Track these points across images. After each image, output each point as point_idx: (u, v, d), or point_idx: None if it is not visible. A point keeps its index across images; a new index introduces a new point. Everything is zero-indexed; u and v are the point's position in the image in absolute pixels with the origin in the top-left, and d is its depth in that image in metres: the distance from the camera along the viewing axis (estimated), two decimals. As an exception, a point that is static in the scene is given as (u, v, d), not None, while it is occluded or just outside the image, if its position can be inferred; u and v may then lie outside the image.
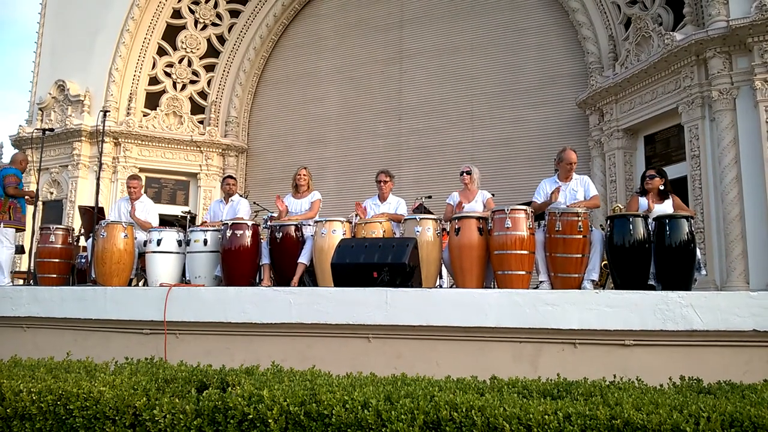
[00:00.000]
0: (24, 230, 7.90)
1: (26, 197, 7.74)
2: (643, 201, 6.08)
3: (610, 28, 11.38)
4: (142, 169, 13.98)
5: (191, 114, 14.83)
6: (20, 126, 14.36)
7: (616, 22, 11.29)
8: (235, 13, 15.01)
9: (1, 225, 7.33)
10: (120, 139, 13.97)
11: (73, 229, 8.09)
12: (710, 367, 4.15)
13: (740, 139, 8.77)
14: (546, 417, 2.56)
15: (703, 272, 5.78)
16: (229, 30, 15.05)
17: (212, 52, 15.08)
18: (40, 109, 14.47)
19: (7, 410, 3.11)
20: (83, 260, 7.88)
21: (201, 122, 14.89)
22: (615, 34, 11.29)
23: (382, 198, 6.94)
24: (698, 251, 5.53)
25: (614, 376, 3.47)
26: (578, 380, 3.30)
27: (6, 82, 45.53)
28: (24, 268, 10.90)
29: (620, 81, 10.56)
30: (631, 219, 5.38)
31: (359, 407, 2.73)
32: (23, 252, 9.74)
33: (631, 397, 2.78)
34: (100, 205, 7.87)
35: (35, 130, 11.54)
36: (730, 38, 8.83)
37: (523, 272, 5.57)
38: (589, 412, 2.58)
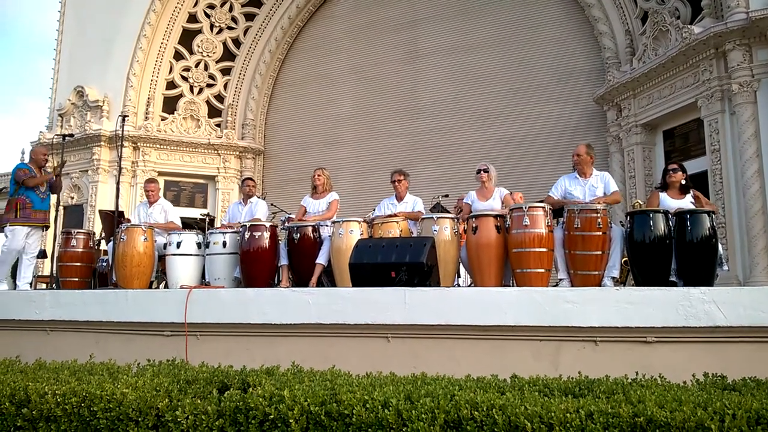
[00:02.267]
0: (38, 227, 7.38)
1: (44, 183, 7.34)
2: (663, 196, 6.02)
3: (626, 23, 11.26)
4: (160, 173, 14.12)
5: (208, 117, 14.96)
6: (41, 132, 14.58)
7: (632, 16, 11.17)
8: (250, 17, 15.09)
9: (8, 224, 7.20)
10: (139, 144, 14.12)
11: (94, 233, 8.18)
12: (734, 364, 4.09)
13: (761, 132, 8.64)
14: (568, 415, 2.54)
15: (726, 267, 5.70)
16: (245, 33, 15.14)
17: (228, 55, 15.18)
18: (60, 115, 14.68)
19: (33, 412, 3.15)
20: (104, 264, 7.96)
21: (218, 125, 15.00)
22: (632, 29, 11.18)
23: (399, 198, 6.94)
24: (720, 246, 5.46)
25: (636, 374, 3.43)
26: (600, 378, 3.26)
27: (26, 89, 46.23)
28: (46, 272, 11.06)
29: (638, 76, 10.45)
30: (651, 215, 5.33)
31: (380, 407, 2.72)
32: (45, 256, 9.82)
33: (653, 395, 2.75)
34: (120, 209, 7.95)
35: (55, 136, 11.69)
36: (749, 30, 8.70)
37: (542, 270, 5.53)
38: (611, 410, 2.55)
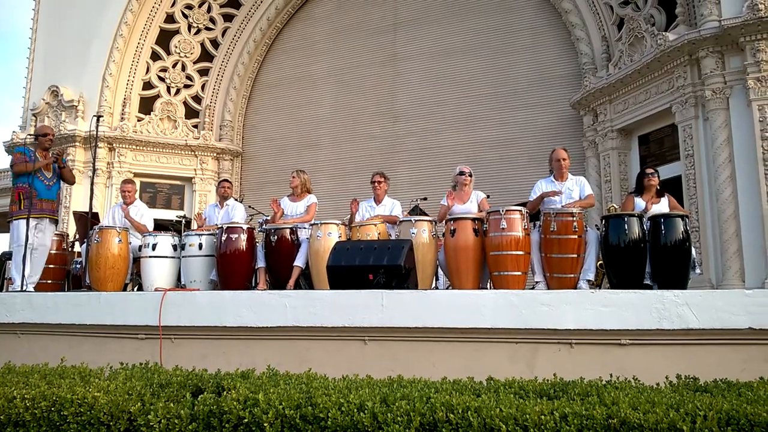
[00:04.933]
0: (45, 218, 6.53)
1: (42, 167, 6.46)
2: (638, 200, 6.10)
3: (603, 29, 11.40)
4: (136, 174, 13.93)
5: (186, 118, 14.80)
6: (14, 132, 14.31)
7: (608, 22, 11.31)
8: (228, 17, 14.99)
9: (13, 218, 6.52)
10: (114, 144, 13.93)
11: (68, 235, 8.04)
12: (707, 366, 4.15)
13: (734, 138, 8.80)
14: (542, 417, 2.55)
15: (698, 271, 5.80)
16: (223, 34, 15.03)
17: (206, 56, 15.05)
18: (34, 114, 14.42)
19: (1, 417, 3.09)
20: (78, 266, 7.84)
21: (195, 126, 14.86)
22: (608, 35, 11.32)
23: (377, 200, 6.94)
24: (693, 250, 5.54)
25: (611, 376, 3.46)
26: (575, 380, 3.29)
27: (0, 89, 45.41)
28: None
29: (614, 81, 10.58)
30: (626, 218, 5.39)
31: (355, 410, 2.71)
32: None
33: (627, 397, 2.77)
34: (94, 210, 7.82)
35: (28, 136, 11.46)
36: (722, 38, 8.86)
37: (519, 273, 5.56)
38: (585, 412, 2.57)
